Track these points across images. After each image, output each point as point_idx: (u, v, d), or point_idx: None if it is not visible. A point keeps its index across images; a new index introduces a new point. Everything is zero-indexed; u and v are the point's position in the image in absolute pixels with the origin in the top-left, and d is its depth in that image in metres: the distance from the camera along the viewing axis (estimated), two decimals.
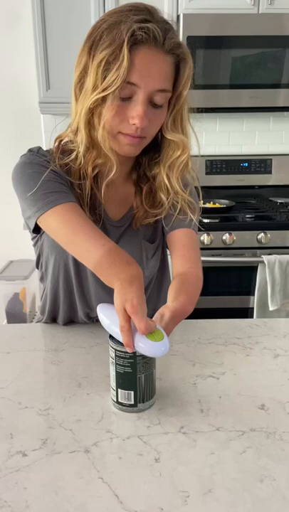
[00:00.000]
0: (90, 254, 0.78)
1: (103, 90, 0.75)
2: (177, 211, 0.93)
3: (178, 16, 2.03)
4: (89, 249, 0.79)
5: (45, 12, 2.01)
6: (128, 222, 0.96)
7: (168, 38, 0.76)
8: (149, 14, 0.76)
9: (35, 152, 0.89)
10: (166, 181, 0.89)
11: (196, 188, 0.97)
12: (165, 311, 0.77)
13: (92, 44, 0.77)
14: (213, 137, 2.49)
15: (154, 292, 1.07)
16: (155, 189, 0.93)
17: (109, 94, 0.75)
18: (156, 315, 0.76)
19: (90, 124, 0.81)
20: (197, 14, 2.01)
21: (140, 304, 0.67)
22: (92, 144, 0.83)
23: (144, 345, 0.65)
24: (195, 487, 0.56)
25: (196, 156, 0.90)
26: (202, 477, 0.58)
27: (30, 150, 0.90)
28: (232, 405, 0.73)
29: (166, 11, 1.96)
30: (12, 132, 2.42)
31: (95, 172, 0.88)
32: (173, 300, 0.79)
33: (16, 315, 2.32)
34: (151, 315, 0.76)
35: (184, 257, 0.91)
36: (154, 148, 0.90)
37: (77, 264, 0.97)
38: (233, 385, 0.79)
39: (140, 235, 0.97)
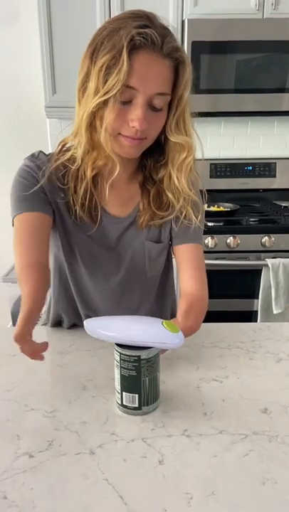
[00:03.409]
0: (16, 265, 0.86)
1: (104, 94, 0.77)
2: (183, 215, 0.94)
3: (183, 22, 2.05)
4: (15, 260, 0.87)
5: (51, 17, 2.03)
6: (131, 220, 0.97)
7: (166, 43, 0.78)
8: (148, 20, 0.78)
9: (35, 157, 0.92)
10: (177, 183, 0.91)
11: (200, 190, 0.99)
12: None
13: (93, 50, 0.79)
14: (217, 141, 2.50)
15: (160, 290, 1.08)
16: (162, 191, 0.94)
17: (110, 97, 0.77)
18: None
19: (91, 127, 0.83)
20: (202, 19, 2.03)
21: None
22: (93, 145, 0.85)
23: (161, 335, 0.69)
24: (198, 489, 0.57)
25: (199, 159, 0.92)
26: (205, 479, 0.59)
27: (31, 155, 0.93)
28: (235, 409, 0.74)
29: (171, 17, 2.02)
30: (18, 136, 2.44)
31: (94, 173, 0.90)
32: (183, 319, 0.87)
33: None
34: (156, 313, 0.84)
35: (192, 278, 0.95)
36: (158, 151, 0.92)
37: (72, 267, 0.99)
38: (237, 389, 0.79)
39: (144, 235, 0.98)
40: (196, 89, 2.10)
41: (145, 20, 0.78)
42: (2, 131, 2.46)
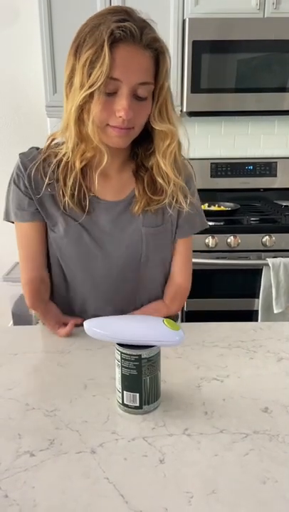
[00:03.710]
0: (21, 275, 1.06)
1: (89, 87, 0.81)
2: (174, 200, 0.98)
3: (183, 21, 2.04)
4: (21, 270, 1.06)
5: (52, 16, 2.03)
6: (124, 205, 1.00)
7: (145, 34, 0.82)
8: (127, 14, 0.82)
9: (25, 156, 0.98)
10: (165, 169, 0.94)
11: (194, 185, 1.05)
12: (162, 308, 1.08)
13: (77, 46, 0.84)
14: (218, 140, 2.50)
15: (159, 276, 1.09)
16: (155, 177, 0.97)
17: (95, 90, 0.81)
18: (153, 306, 1.07)
19: (80, 120, 0.87)
20: (203, 19, 2.03)
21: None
22: (82, 138, 0.89)
23: (162, 333, 0.70)
24: (199, 488, 0.57)
25: (194, 158, 0.93)
26: (206, 478, 0.59)
27: (22, 153, 0.99)
28: (236, 408, 0.74)
29: (172, 16, 2.02)
30: (19, 136, 2.44)
31: (83, 164, 0.93)
32: (170, 304, 1.09)
33: (22, 316, 2.33)
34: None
35: (181, 270, 1.09)
36: (147, 140, 0.95)
37: (66, 261, 1.02)
38: (237, 388, 0.80)
39: (140, 221, 1.00)
40: (197, 89, 2.11)
41: (124, 14, 0.82)
42: (3, 130, 2.47)
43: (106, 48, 0.78)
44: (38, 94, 2.28)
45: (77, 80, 0.83)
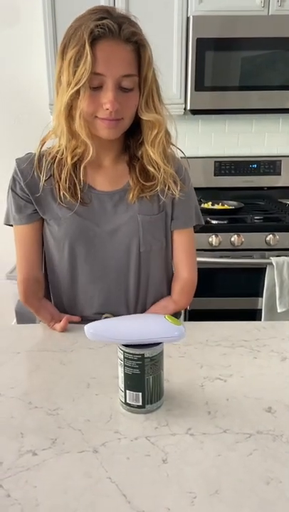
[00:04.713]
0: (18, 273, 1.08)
1: (75, 85, 0.86)
2: (166, 187, 1.01)
3: (188, 18, 2.03)
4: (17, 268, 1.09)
5: (56, 15, 2.03)
6: (121, 195, 1.03)
7: (123, 29, 0.86)
8: (106, 13, 0.86)
9: (20, 161, 1.02)
10: (154, 157, 0.98)
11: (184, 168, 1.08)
12: (169, 304, 1.10)
13: (63, 48, 0.89)
14: (222, 138, 2.49)
15: (159, 272, 1.10)
16: (146, 166, 1.01)
17: (81, 86, 0.86)
18: (160, 304, 1.09)
19: (69, 117, 0.91)
20: (207, 16, 2.02)
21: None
22: (72, 134, 0.94)
23: (162, 328, 0.70)
24: (202, 488, 0.57)
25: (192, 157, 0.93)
26: (209, 478, 0.58)
27: (18, 158, 1.03)
28: (239, 408, 0.74)
29: (176, 14, 2.00)
30: (22, 135, 2.43)
31: (74, 160, 0.97)
32: (177, 299, 1.11)
33: (25, 315, 2.32)
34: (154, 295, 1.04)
35: (185, 264, 1.11)
36: (137, 131, 0.99)
37: (64, 254, 1.03)
38: (240, 388, 0.79)
39: (135, 209, 1.02)
40: (201, 87, 2.10)
41: (103, 13, 0.86)
42: (6, 129, 2.47)
43: (87, 47, 0.83)
44: (42, 92, 2.28)
45: (64, 79, 0.88)
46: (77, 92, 0.87)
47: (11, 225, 1.06)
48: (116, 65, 0.86)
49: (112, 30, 0.85)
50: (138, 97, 0.92)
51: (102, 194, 1.02)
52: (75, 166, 0.99)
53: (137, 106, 0.93)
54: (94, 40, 0.84)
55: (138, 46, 0.88)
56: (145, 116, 0.94)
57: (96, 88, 0.88)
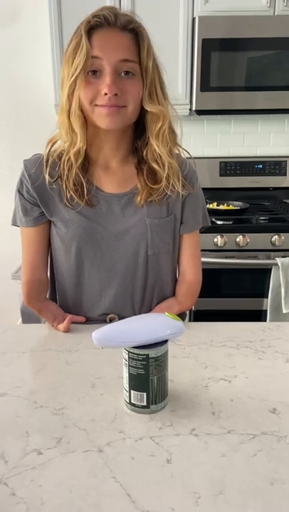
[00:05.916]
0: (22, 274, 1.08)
1: (74, 72, 0.87)
2: (171, 185, 1.00)
3: (193, 19, 2.03)
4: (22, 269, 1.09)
5: (62, 15, 2.03)
6: (129, 197, 1.02)
7: (120, 17, 0.88)
8: (106, 9, 0.88)
9: (28, 162, 1.02)
10: (158, 150, 0.97)
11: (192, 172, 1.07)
12: (174, 305, 1.09)
13: (67, 48, 0.91)
14: (227, 139, 2.49)
15: (166, 275, 1.09)
16: (152, 166, 0.99)
17: (78, 74, 0.86)
18: (165, 304, 1.08)
19: (70, 111, 0.91)
20: (213, 17, 2.01)
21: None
22: (73, 130, 0.93)
23: (163, 323, 0.71)
24: (206, 488, 0.57)
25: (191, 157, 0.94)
26: (213, 479, 0.59)
27: (26, 160, 1.03)
28: (244, 408, 0.74)
29: (182, 14, 2.00)
30: (28, 134, 2.45)
31: (79, 160, 0.97)
32: (182, 299, 1.11)
33: (30, 315, 2.33)
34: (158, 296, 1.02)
35: (191, 265, 1.11)
36: (145, 131, 0.98)
37: (71, 256, 1.03)
38: (245, 389, 0.79)
39: (144, 212, 1.01)
40: (207, 87, 2.10)
41: (103, 9, 0.88)
42: (12, 129, 2.48)
43: (84, 36, 0.85)
44: (47, 92, 2.29)
45: (64, 73, 0.90)
46: (75, 82, 0.87)
47: (18, 226, 1.06)
48: (112, 49, 0.87)
49: (109, 20, 0.87)
50: (141, 85, 0.91)
51: (109, 196, 1.01)
52: (83, 167, 0.98)
53: (141, 97, 0.92)
54: (91, 30, 0.86)
55: (136, 34, 0.89)
56: (149, 108, 0.93)
57: (95, 75, 0.88)
